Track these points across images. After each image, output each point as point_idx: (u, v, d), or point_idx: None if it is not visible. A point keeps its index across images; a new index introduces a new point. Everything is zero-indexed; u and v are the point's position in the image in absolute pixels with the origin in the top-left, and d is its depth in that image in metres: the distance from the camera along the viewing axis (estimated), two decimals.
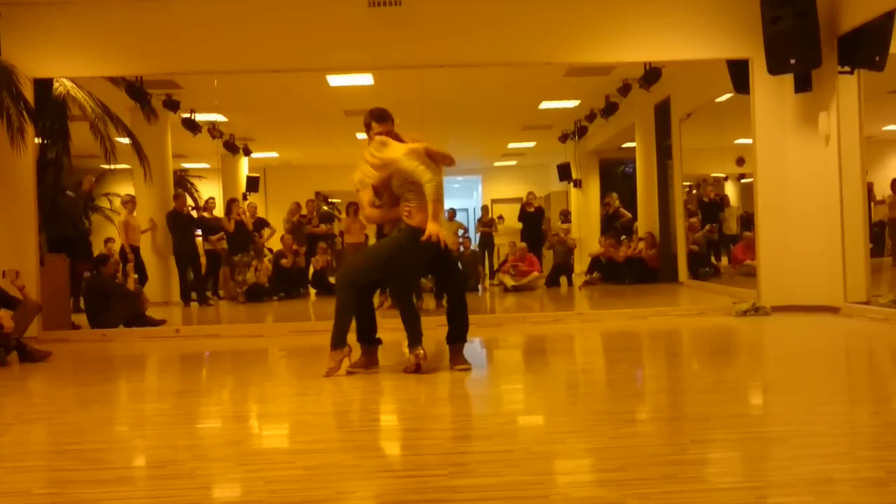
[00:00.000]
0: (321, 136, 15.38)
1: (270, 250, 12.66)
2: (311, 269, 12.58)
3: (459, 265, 5.59)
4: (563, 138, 14.97)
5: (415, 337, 5.02)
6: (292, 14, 7.93)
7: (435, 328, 5.37)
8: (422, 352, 4.97)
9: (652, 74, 9.50)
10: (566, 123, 14.43)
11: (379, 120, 5.12)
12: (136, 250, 11.45)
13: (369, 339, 5.23)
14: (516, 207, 14.72)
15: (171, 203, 11.51)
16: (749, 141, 8.35)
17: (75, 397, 5.03)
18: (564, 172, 16.18)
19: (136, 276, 11.08)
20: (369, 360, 5.21)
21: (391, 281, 5.29)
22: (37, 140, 8.08)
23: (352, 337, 5.08)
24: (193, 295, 11.26)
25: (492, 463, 3.03)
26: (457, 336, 5.24)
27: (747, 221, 10.51)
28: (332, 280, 12.23)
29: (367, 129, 5.16)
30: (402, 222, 4.94)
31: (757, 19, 7.58)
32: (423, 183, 4.78)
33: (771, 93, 8.01)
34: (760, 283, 8.13)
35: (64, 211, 9.64)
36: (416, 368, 4.97)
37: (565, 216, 14.91)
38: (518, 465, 2.99)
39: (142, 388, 5.44)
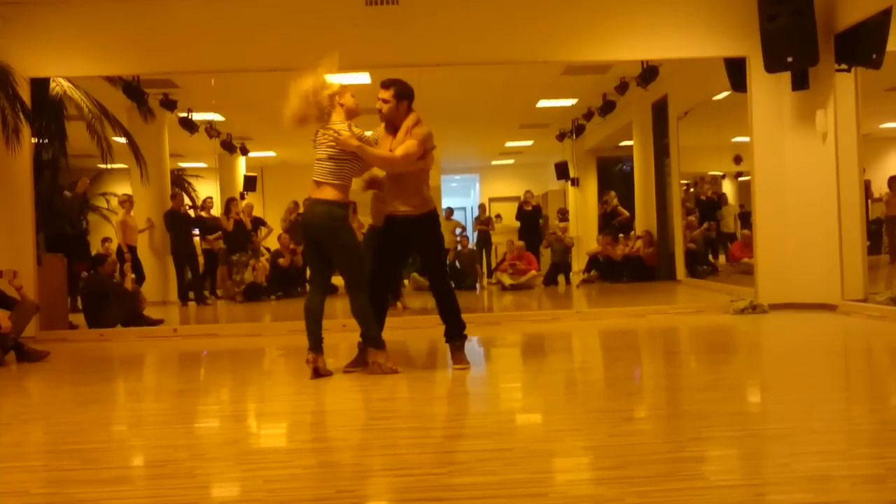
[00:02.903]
0: None
1: (268, 249, 12.65)
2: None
3: (445, 260, 5.59)
4: (561, 137, 14.97)
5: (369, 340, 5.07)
6: (289, 13, 7.92)
7: (434, 326, 5.37)
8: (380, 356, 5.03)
9: (649, 73, 9.51)
10: (564, 122, 14.43)
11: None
12: (133, 250, 11.43)
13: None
14: (514, 206, 14.72)
15: (168, 202, 11.50)
16: (746, 139, 8.35)
17: (73, 397, 5.03)
18: (562, 171, 16.18)
19: (133, 275, 11.05)
20: (366, 359, 5.20)
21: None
22: (33, 140, 8.07)
23: (340, 339, 5.08)
24: (191, 294, 11.25)
25: (490, 461, 3.03)
26: (454, 333, 5.24)
27: (745, 219, 10.51)
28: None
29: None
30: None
31: (754, 17, 7.58)
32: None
33: (768, 91, 8.02)
34: (758, 280, 8.13)
35: (61, 211, 9.64)
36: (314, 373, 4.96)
37: (563, 215, 14.90)
38: (517, 464, 2.99)
39: (140, 388, 5.43)
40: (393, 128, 5.12)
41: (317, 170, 4.93)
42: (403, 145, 4.96)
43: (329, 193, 4.87)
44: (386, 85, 5.08)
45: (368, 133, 5.05)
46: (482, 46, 8.05)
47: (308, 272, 12.66)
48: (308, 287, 5.35)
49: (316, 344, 4.96)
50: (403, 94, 5.09)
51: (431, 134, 5.07)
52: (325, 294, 5.09)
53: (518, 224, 13.98)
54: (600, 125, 13.76)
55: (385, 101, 5.06)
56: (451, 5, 8.00)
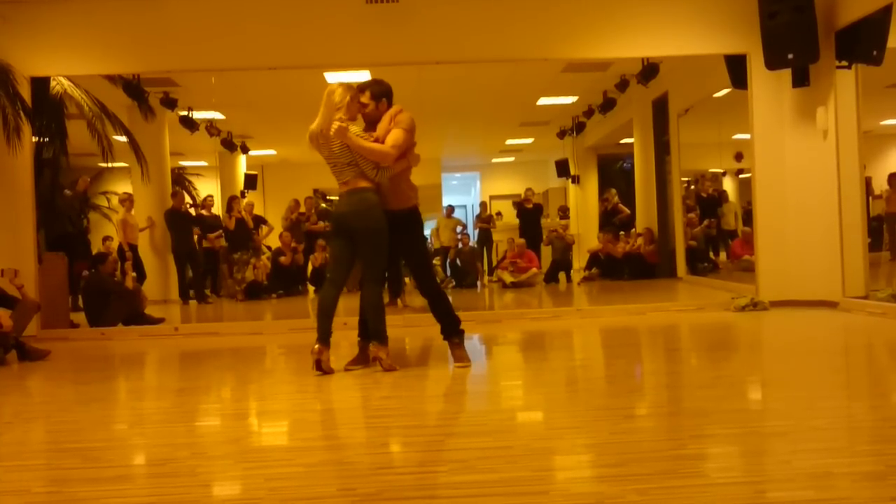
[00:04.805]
0: None
1: (269, 248, 12.66)
2: (310, 267, 12.58)
3: (428, 258, 5.63)
4: (561, 134, 14.96)
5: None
6: (290, 11, 7.92)
7: (434, 324, 5.37)
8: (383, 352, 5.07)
9: (649, 70, 9.49)
10: (564, 119, 14.41)
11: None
12: (134, 248, 11.44)
13: (367, 336, 5.23)
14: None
15: (168, 201, 11.51)
16: (747, 136, 8.35)
17: (74, 396, 5.03)
18: (562, 168, 16.17)
19: (134, 274, 11.07)
20: (366, 357, 5.21)
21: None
22: (34, 139, 8.07)
23: (341, 337, 5.08)
24: (192, 293, 11.26)
25: (491, 459, 3.03)
26: (450, 330, 5.24)
27: (746, 216, 10.50)
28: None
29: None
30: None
31: (754, 14, 7.58)
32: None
33: (769, 88, 8.01)
34: (759, 278, 8.13)
35: (62, 209, 9.64)
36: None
37: (563, 212, 14.90)
38: (517, 462, 2.99)
39: (141, 386, 5.44)
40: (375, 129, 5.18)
41: (342, 174, 5.01)
42: (391, 136, 5.00)
43: (361, 183, 4.97)
44: (362, 89, 5.16)
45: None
46: (482, 44, 8.05)
47: (309, 270, 12.74)
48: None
49: (324, 337, 4.99)
50: (380, 93, 5.16)
51: (413, 121, 5.10)
52: (340, 291, 5.15)
53: (518, 222, 13.98)
54: (601, 123, 13.74)
55: (364, 104, 5.14)
56: (451, 3, 7.99)
